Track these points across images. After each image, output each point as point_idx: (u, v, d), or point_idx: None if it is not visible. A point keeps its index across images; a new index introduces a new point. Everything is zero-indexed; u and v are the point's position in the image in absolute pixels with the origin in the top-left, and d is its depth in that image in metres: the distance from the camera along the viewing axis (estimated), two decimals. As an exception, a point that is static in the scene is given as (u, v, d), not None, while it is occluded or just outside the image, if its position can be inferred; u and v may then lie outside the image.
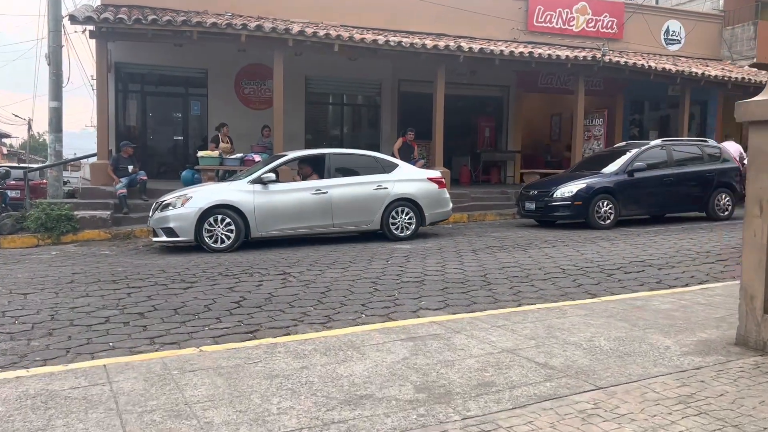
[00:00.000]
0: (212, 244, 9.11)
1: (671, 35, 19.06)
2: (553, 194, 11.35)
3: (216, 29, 11.90)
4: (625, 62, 14.88)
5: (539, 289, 6.39)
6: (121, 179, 11.78)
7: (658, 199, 11.74)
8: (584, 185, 11.21)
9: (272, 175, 9.50)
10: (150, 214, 9.57)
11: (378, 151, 16.70)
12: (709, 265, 7.59)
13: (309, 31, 12.47)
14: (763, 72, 17.99)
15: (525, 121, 19.13)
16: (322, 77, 16.40)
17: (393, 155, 13.82)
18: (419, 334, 4.16)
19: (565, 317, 4.53)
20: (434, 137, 14.05)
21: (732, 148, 15.96)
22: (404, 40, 13.16)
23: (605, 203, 11.20)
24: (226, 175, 12.85)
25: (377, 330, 4.29)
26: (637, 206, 11.58)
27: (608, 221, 11.21)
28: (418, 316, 5.30)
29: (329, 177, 9.87)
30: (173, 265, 8.03)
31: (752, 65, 18.63)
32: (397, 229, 10.08)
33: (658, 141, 12.32)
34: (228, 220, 9.13)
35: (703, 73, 15.91)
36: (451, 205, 10.69)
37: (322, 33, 12.54)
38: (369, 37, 12.94)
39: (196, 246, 9.21)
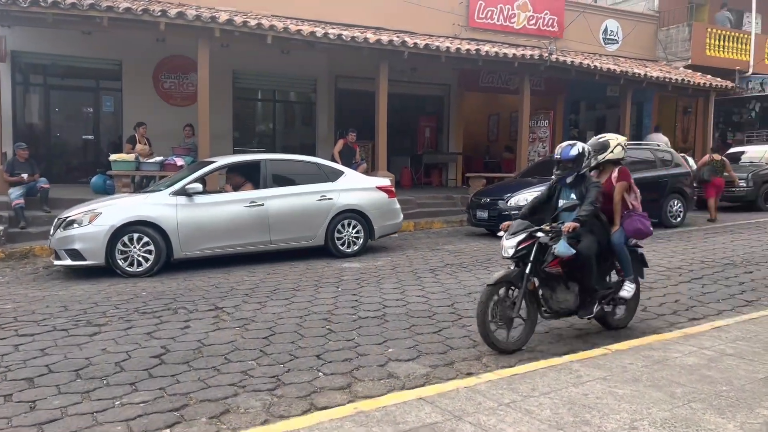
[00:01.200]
0: (127, 268, 7.74)
1: (609, 35, 18.85)
2: (506, 203, 10.60)
3: (130, 15, 10.39)
4: (572, 62, 14.38)
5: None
6: (16, 188, 10.08)
7: (613, 206, 11.19)
8: (538, 193, 10.47)
9: (198, 186, 8.21)
10: (51, 232, 8.07)
11: (315, 151, 15.61)
12: (689, 286, 6.98)
13: (238, 20, 11.16)
14: (698, 74, 18.05)
15: (464, 121, 18.44)
16: (251, 71, 15.05)
17: (333, 158, 12.75)
18: (409, 425, 3.13)
19: (581, 384, 3.63)
20: (377, 139, 13.05)
21: (661, 140, 15.91)
22: (344, 33, 12.07)
23: (561, 212, 10.53)
24: (144, 181, 11.39)
25: (351, 418, 3.23)
26: (592, 214, 10.98)
27: (564, 230, 10.54)
28: (390, 374, 4.30)
29: (265, 187, 8.67)
30: (78, 298, 6.65)
31: (687, 66, 18.68)
32: (343, 244, 9.01)
33: (612, 145, 11.79)
34: (146, 239, 7.78)
35: (645, 74, 15.67)
36: (401, 216, 9.73)
37: (253, 23, 11.26)
38: (306, 28, 11.76)
39: (109, 268, 7.81)
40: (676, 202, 11.79)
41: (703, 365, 3.90)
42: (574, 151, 4.99)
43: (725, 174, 13.08)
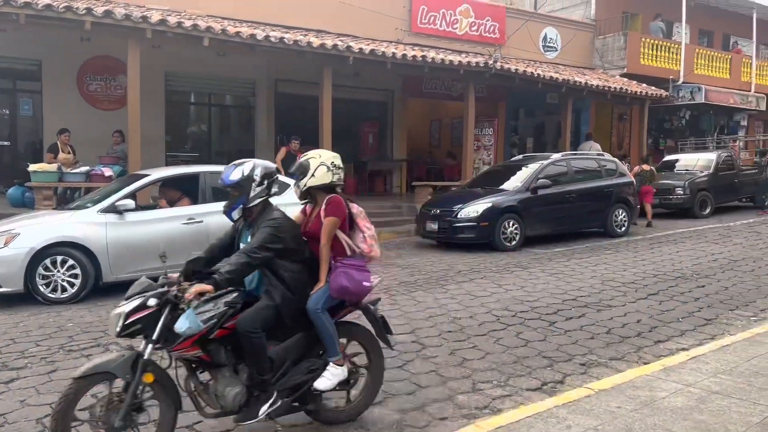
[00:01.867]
0: (50, 295, 6.96)
1: (549, 42, 19.02)
2: (457, 214, 10.35)
3: (52, 13, 9.49)
4: (516, 69, 14.34)
5: (486, 354, 5.20)
6: None
7: (561, 217, 11.18)
8: (489, 204, 10.32)
9: (130, 202, 7.49)
10: (-41, 255, 7.16)
11: (254, 158, 14.97)
12: (647, 303, 6.88)
13: (172, 20, 10.42)
14: (634, 82, 18.47)
15: (407, 127, 18.18)
16: (185, 74, 14.23)
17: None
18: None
19: (573, 436, 3.31)
20: (322, 145, 12.52)
21: (594, 148, 16.28)
22: (287, 36, 11.51)
23: (511, 223, 10.39)
24: (68, 193, 10.47)
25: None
26: (541, 225, 10.92)
27: (514, 242, 10.41)
28: (360, 425, 3.86)
29: (205, 202, 8.03)
30: (-9, 334, 5.87)
31: (623, 75, 19.07)
32: (289, 262, 8.47)
33: (558, 155, 11.79)
34: (71, 262, 7.03)
35: (585, 83, 15.84)
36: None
37: (188, 24, 10.55)
38: (246, 30, 11.13)
39: (29, 295, 7.00)
40: (620, 212, 11.88)
41: (693, 407, 3.67)
42: (236, 174, 3.62)
43: (655, 182, 14.02)
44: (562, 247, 10.76)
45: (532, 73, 14.65)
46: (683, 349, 5.35)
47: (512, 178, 11.27)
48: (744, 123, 22.72)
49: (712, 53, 21.64)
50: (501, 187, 11.02)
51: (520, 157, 12.75)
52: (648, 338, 5.71)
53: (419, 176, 18.82)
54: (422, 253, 10.47)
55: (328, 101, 12.46)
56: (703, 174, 15.03)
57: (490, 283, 7.90)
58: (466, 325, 6.10)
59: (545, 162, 11.24)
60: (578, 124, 20.29)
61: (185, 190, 8.23)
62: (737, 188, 15.89)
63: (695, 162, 16.08)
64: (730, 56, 22.10)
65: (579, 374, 4.75)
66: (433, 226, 10.59)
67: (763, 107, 22.45)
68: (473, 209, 10.24)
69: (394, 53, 12.54)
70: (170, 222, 7.71)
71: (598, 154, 12.71)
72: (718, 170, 15.28)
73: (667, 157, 17.26)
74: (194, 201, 8.07)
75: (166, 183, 8.50)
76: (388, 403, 4.20)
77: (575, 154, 12.55)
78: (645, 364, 5.00)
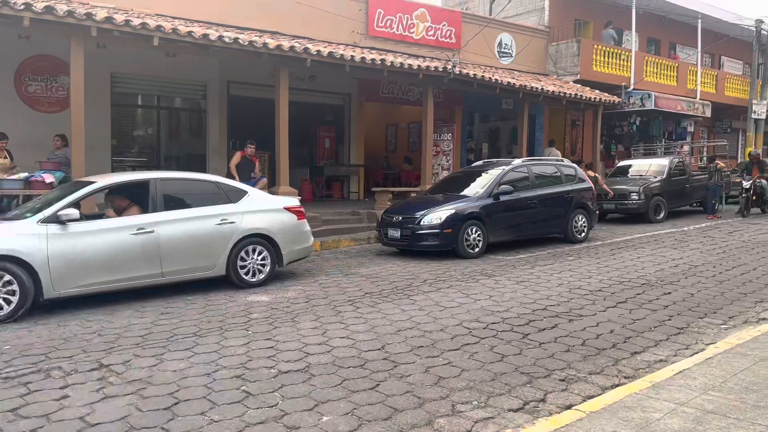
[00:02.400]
0: (-17, 314, 6.36)
1: (504, 48, 19.10)
2: (420, 221, 10.11)
3: (-15, 7, 8.81)
4: (474, 75, 14.24)
5: (462, 371, 4.94)
6: None
7: (523, 223, 11.08)
8: (453, 211, 10.12)
9: (74, 212, 6.93)
10: None
11: (205, 163, 14.41)
12: (617, 312, 6.76)
13: (119, 18, 9.84)
14: (587, 88, 18.69)
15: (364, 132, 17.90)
16: (132, 75, 13.57)
17: (229, 172, 11.73)
18: None
19: (572, 467, 3.07)
20: (278, 150, 12.13)
21: (556, 155, 16.43)
22: (241, 36, 11.06)
23: (474, 230, 10.22)
24: (4, 201, 9.74)
25: None
26: (503, 231, 10.78)
27: (477, 249, 10.25)
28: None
29: (155, 210, 7.54)
30: None
31: (576, 81, 19.30)
32: (247, 273, 8.06)
33: (519, 161, 11.70)
34: (8, 277, 6.44)
35: (542, 88, 15.90)
36: (312, 239, 8.92)
37: (137, 22, 9.98)
38: (198, 30, 10.63)
39: (-42, 315, 6.38)
40: (580, 218, 11.88)
41: (691, 429, 3.48)
42: None
43: (599, 187, 14.15)
44: (525, 254, 10.66)
45: (490, 78, 14.60)
46: (661, 361, 5.24)
47: (473, 184, 11.11)
48: (690, 129, 23.39)
49: (661, 61, 22.21)
50: (463, 193, 10.84)
51: (481, 162, 12.62)
52: (624, 349, 5.57)
53: (376, 181, 18.60)
54: (384, 261, 10.19)
55: (285, 104, 12.06)
56: (656, 179, 15.26)
57: (457, 293, 7.67)
58: (438, 338, 5.84)
59: (507, 168, 11.12)
60: (533, 129, 20.43)
61: (134, 197, 7.73)
62: (688, 193, 16.22)
63: (647, 167, 16.33)
64: (677, 64, 22.72)
65: (560, 391, 4.54)
66: (396, 233, 10.33)
67: (708, 114, 23.16)
68: (436, 216, 10.02)
69: (353, 56, 12.24)
70: (118, 233, 7.19)
71: (558, 161, 12.69)
72: (671, 176, 15.55)
73: (621, 163, 17.50)
74: (144, 210, 7.57)
75: (113, 190, 7.97)
76: (365, 430, 3.88)
77: (536, 159, 12.49)
78: (626, 378, 4.84)
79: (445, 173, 15.26)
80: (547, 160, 12.86)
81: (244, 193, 8.32)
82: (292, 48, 11.38)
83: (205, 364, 5.11)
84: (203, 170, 13.59)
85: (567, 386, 4.63)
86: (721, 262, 9.64)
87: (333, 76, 14.90)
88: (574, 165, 12.61)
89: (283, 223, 8.40)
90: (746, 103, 24.54)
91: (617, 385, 4.52)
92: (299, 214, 8.64)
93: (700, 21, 23.21)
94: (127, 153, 13.96)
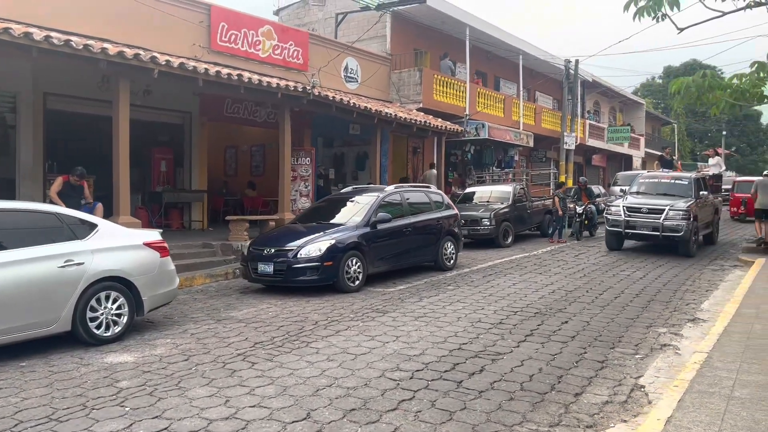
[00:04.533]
0: None
1: (350, 73, 18.80)
2: (297, 254, 9.11)
3: None
4: (333, 97, 13.61)
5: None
6: None
7: (399, 252, 10.58)
8: (333, 241, 9.28)
9: None
10: None
11: (15, 189, 11.98)
12: (532, 347, 6.43)
13: None
14: (430, 116, 19.02)
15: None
16: None
17: (50, 201, 9.74)
18: None
19: None
20: (117, 174, 10.31)
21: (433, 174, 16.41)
22: (74, 39, 9.25)
23: (355, 261, 9.48)
24: None
25: None
26: (382, 262, 10.17)
27: (357, 282, 9.51)
28: None
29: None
30: None
31: (419, 109, 19.56)
32: (99, 326, 6.46)
33: (392, 188, 11.23)
34: None
35: (395, 115, 15.77)
36: (177, 280, 7.50)
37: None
38: (17, 28, 8.65)
39: None
40: (449, 245, 11.70)
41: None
42: None
43: None
44: (403, 285, 10.13)
45: (348, 102, 14.07)
46: (608, 402, 4.92)
47: (346, 212, 10.41)
48: (517, 158, 25.03)
49: (490, 93, 23.52)
50: (337, 221, 10.06)
51: (350, 188, 11.94)
52: (564, 391, 5.19)
53: (216, 208, 17.08)
54: (256, 300, 8.99)
55: (125, 121, 10.35)
56: (504, 205, 15.79)
57: (360, 336, 6.84)
58: (367, 396, 4.97)
59: (381, 195, 10.57)
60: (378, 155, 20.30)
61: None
62: (528, 218, 17.05)
63: (489, 194, 16.89)
64: (503, 96, 24.24)
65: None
66: (267, 267, 9.20)
67: (531, 144, 25.00)
68: (315, 247, 9.10)
69: (206, 69, 10.93)
70: None
71: (425, 187, 12.46)
72: (515, 201, 16.20)
73: (468, 189, 17.95)
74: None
75: None
76: None
77: (407, 186, 12.12)
78: (589, 427, 4.42)
79: (304, 199, 14.36)
80: (419, 187, 12.52)
81: (93, 226, 6.72)
82: (136, 56, 9.79)
83: (81, 468, 3.72)
84: (12, 198, 11.25)
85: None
86: (589, 286, 9.94)
87: (172, 91, 13.33)
88: (441, 192, 12.46)
89: (144, 262, 6.93)
90: (558, 134, 26.94)
91: (597, 440, 4.05)
92: (162, 251, 7.22)
93: (521, 57, 25.10)
94: None
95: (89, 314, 6.37)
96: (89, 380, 5.37)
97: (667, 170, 17.34)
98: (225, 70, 11.50)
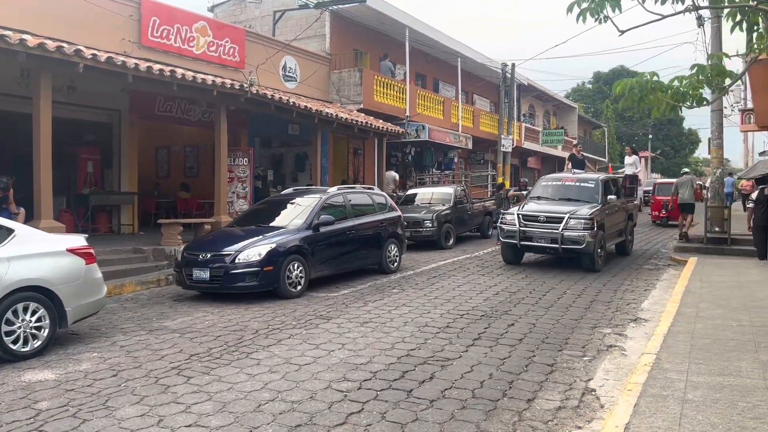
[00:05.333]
0: None
1: (288, 72, 18.37)
2: (234, 259, 8.68)
3: None
4: (272, 96, 13.19)
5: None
6: None
7: (342, 255, 10.30)
8: (273, 245, 8.91)
9: None
10: None
11: None
12: (480, 351, 6.31)
13: None
14: (371, 117, 18.82)
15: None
16: None
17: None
18: None
19: None
20: (39, 175, 9.57)
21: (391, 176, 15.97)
22: (-13, 28, 8.51)
23: (296, 266, 9.13)
24: None
25: None
26: (324, 266, 9.86)
27: (299, 287, 9.17)
28: None
29: None
30: None
31: (360, 110, 19.31)
32: (16, 341, 5.89)
33: (334, 189, 10.92)
34: None
35: (336, 115, 15.47)
36: (105, 288, 6.97)
37: None
38: None
39: None
40: (393, 247, 11.51)
41: None
42: None
43: None
44: (346, 289, 9.86)
45: (287, 101, 13.67)
46: (560, 408, 4.83)
47: (286, 214, 10.06)
48: (456, 160, 25.17)
49: (430, 95, 23.54)
50: (277, 224, 9.69)
51: (291, 190, 11.56)
52: (516, 397, 5.07)
53: (147, 211, 16.28)
54: (191, 308, 8.51)
55: (47, 118, 9.63)
56: (445, 207, 15.75)
57: (303, 344, 6.53)
58: (314, 410, 4.69)
59: (324, 196, 10.26)
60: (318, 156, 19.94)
61: None
62: (469, 220, 17.09)
63: (431, 196, 16.85)
64: (443, 99, 24.33)
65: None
66: (203, 274, 8.73)
67: (470, 146, 25.21)
68: (254, 252, 8.70)
69: (136, 64, 10.32)
70: None
71: (368, 188, 12.22)
72: (457, 203, 16.20)
73: (409, 192, 17.84)
74: None
75: None
76: None
77: (349, 188, 11.82)
78: (545, 435, 4.30)
79: (242, 201, 13.84)
80: (362, 189, 12.22)
81: (9, 231, 6.14)
82: (59, 48, 9.10)
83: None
84: None
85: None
86: (532, 287, 9.95)
87: (98, 88, 12.57)
88: (384, 194, 12.26)
89: (67, 270, 6.39)
90: (496, 137, 27.31)
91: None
92: (88, 257, 6.69)
93: (459, 60, 25.27)
94: None
95: (5, 328, 5.80)
96: (3, 401, 4.85)
97: (578, 171, 15.41)
98: (157, 66, 10.91)
